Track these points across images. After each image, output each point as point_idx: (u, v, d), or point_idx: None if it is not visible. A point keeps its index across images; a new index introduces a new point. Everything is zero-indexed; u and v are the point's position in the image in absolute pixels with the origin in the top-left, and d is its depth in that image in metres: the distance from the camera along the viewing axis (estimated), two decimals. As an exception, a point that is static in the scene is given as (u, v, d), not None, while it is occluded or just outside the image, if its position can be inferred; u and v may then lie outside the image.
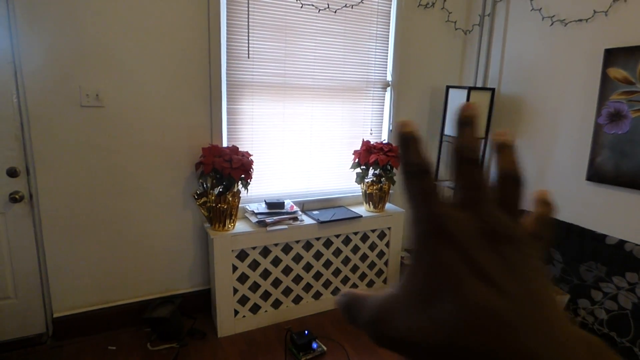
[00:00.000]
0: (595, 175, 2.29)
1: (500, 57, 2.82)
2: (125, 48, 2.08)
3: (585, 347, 0.19)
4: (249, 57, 2.34)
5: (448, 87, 2.79)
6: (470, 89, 2.61)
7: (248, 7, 2.28)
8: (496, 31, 2.83)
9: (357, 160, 2.69)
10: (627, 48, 2.13)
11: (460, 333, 0.19)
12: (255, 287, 2.42)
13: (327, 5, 2.48)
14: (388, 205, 2.86)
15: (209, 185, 2.27)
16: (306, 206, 2.72)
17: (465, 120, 0.23)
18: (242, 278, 2.37)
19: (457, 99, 2.72)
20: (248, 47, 2.33)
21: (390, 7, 2.73)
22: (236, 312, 2.38)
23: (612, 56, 2.20)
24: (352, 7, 2.56)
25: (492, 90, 2.74)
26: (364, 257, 2.76)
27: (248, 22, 2.30)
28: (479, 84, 2.95)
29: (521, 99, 2.70)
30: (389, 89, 2.86)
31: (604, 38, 2.24)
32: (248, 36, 2.32)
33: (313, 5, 2.45)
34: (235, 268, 2.33)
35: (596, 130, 2.28)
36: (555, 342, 0.18)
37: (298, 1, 2.39)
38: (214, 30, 2.23)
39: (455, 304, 0.20)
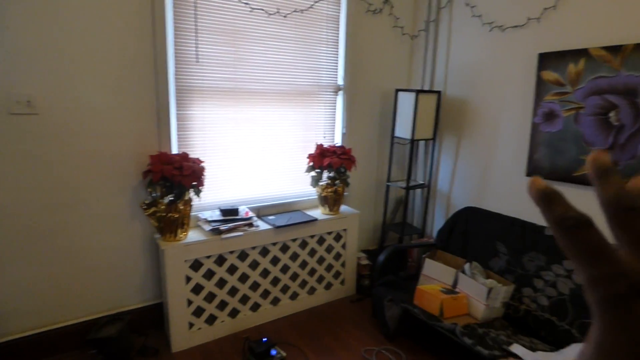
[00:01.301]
0: (534, 170, 2.45)
1: (445, 61, 2.94)
2: (60, 50, 1.95)
3: None
4: (197, 61, 2.28)
5: (397, 90, 2.87)
6: (418, 92, 2.70)
7: (195, 10, 2.22)
8: (441, 36, 2.96)
9: (311, 163, 2.69)
10: (557, 52, 2.30)
11: None
12: (210, 297, 2.35)
13: (277, 10, 2.48)
14: (343, 207, 2.89)
15: (158, 194, 2.18)
16: (262, 212, 2.69)
17: (603, 171, 0.20)
18: (197, 289, 2.29)
19: (406, 101, 2.80)
20: (197, 51, 2.27)
21: (340, 13, 2.78)
22: (191, 325, 2.30)
23: (545, 60, 2.36)
24: (301, 12, 2.57)
25: (439, 93, 2.86)
26: (321, 260, 2.77)
27: (196, 25, 2.24)
28: (426, 87, 3.07)
29: (465, 100, 2.83)
30: (340, 92, 2.90)
31: (538, 43, 2.40)
32: (196, 40, 2.25)
33: (263, 10, 2.43)
34: (188, 279, 2.25)
35: (533, 129, 2.44)
36: None
37: (247, 5, 2.37)
38: (159, 33, 2.15)
39: None
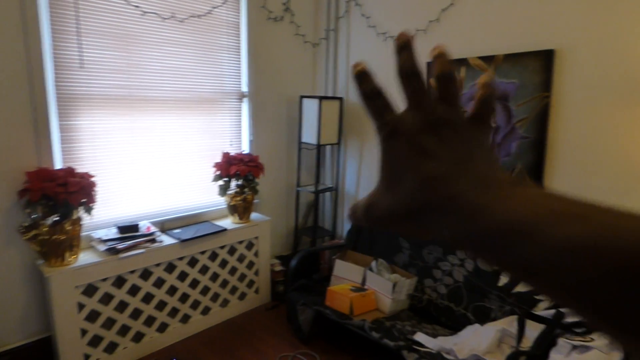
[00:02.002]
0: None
1: (346, 68, 3.07)
2: None
3: (504, 183, 0.24)
4: (82, 67, 2.09)
5: (302, 97, 2.92)
6: (321, 98, 2.77)
7: (77, 11, 2.03)
8: (341, 45, 3.08)
9: (218, 172, 2.62)
10: (441, 62, 2.52)
11: (418, 196, 0.26)
12: (109, 323, 2.15)
13: (172, 15, 2.37)
14: (254, 215, 2.85)
15: (39, 214, 1.94)
16: (166, 225, 2.54)
17: (401, 46, 0.29)
18: (92, 316, 2.09)
19: (311, 108, 2.86)
20: (80, 55, 2.07)
21: (240, 19, 2.75)
22: (87, 357, 2.09)
23: (432, 69, 2.57)
24: (199, 18, 2.50)
25: (341, 99, 2.97)
26: (233, 270, 2.70)
27: (78, 28, 2.05)
28: (330, 94, 3.17)
29: (366, 106, 2.98)
30: (245, 99, 2.86)
31: (426, 53, 2.61)
32: (79, 43, 2.06)
33: (156, 14, 2.31)
34: (82, 306, 2.04)
35: (425, 132, 2.64)
36: (476, 182, 0.25)
37: (138, 8, 2.23)
38: (33, 35, 1.92)
39: (410, 179, 0.26)
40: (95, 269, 2.05)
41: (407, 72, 0.29)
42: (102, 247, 2.13)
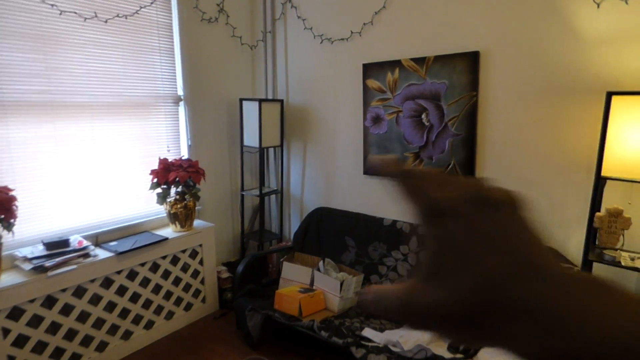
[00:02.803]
0: (369, 169, 2.73)
1: (285, 70, 3.07)
2: None
3: (582, 284, 0.21)
4: (-8, 71, 1.91)
5: (241, 100, 2.88)
6: (261, 100, 2.75)
7: (-17, 10, 1.86)
8: (278, 47, 3.07)
9: (155, 180, 2.51)
10: (377, 63, 2.59)
11: (476, 296, 0.21)
12: (41, 347, 2.00)
13: (94, 14, 2.24)
14: (197, 222, 2.77)
15: (-51, 235, 1.76)
16: (101, 238, 2.40)
17: (390, 163, 0.27)
18: (20, 341, 1.92)
19: (251, 110, 2.83)
20: (-10, 58, 1.90)
21: (172, 20, 2.65)
22: (16, 385, 1.92)
23: (368, 70, 2.64)
24: (126, 18, 2.38)
25: (281, 101, 2.96)
26: (177, 281, 2.61)
27: (-15, 28, 1.87)
28: (270, 96, 3.15)
29: (306, 108, 3.00)
30: (181, 103, 2.77)
31: (361, 54, 2.67)
32: (-12, 46, 1.89)
33: (76, 13, 2.17)
34: (7, 331, 1.88)
35: (365, 131, 2.71)
36: (552, 284, 0.21)
37: (55, 7, 2.08)
38: None
39: (468, 274, 0.22)
40: (20, 290, 1.89)
41: (404, 173, 0.26)
42: (28, 266, 1.97)
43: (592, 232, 1.83)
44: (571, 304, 0.20)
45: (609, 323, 0.19)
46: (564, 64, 2.00)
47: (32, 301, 1.95)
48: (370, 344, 2.03)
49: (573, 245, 2.08)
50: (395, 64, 2.52)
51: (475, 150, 2.32)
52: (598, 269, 1.96)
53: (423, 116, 2.48)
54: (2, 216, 1.82)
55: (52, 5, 2.07)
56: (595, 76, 1.93)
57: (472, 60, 2.25)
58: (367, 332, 2.16)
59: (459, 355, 1.83)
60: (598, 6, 1.88)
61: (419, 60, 2.43)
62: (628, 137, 1.66)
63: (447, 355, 1.84)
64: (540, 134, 2.11)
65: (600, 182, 1.77)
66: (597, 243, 1.86)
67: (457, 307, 0.22)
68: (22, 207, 2.06)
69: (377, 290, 0.27)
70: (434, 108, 2.43)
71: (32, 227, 2.14)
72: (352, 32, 2.68)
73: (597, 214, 1.81)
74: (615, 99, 1.68)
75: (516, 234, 0.23)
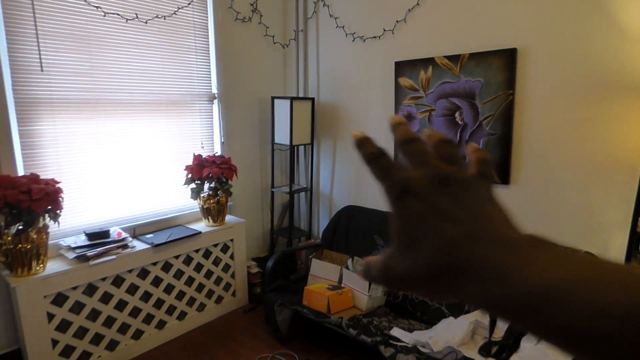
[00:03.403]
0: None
1: (316, 68, 3.08)
2: None
3: (526, 242, 0.24)
4: (42, 70, 2.03)
5: (273, 98, 2.92)
6: (292, 99, 2.78)
7: (34, 12, 1.97)
8: (310, 45, 3.09)
9: (190, 175, 2.59)
10: (410, 61, 2.57)
11: (437, 259, 0.25)
12: (82, 332, 2.10)
13: (135, 16, 2.33)
14: (228, 217, 2.83)
15: (2, 224, 1.88)
16: (138, 231, 2.50)
17: (396, 123, 0.30)
18: (63, 326, 2.03)
19: (283, 108, 2.86)
20: (40, 58, 2.01)
21: (207, 20, 2.72)
22: (59, 367, 2.03)
23: (400, 68, 2.62)
24: (164, 19, 2.46)
25: (312, 99, 2.98)
26: (208, 274, 2.68)
27: (36, 30, 1.99)
28: (301, 94, 3.18)
29: (337, 106, 3.00)
30: (215, 101, 2.84)
31: (394, 52, 2.65)
32: (38, 46, 2.00)
33: (119, 15, 2.26)
34: (51, 316, 1.99)
35: (396, 130, 2.68)
36: (498, 244, 0.24)
37: (99, 9, 2.18)
38: (-12, 38, 1.85)
39: (429, 241, 0.26)
40: (64, 278, 2.00)
41: (407, 139, 0.29)
42: (71, 255, 2.07)
43: (635, 237, 1.75)
44: (511, 258, 0.23)
45: (541, 266, 0.22)
46: (607, 60, 1.91)
47: (74, 288, 2.05)
48: (398, 343, 2.02)
49: (614, 250, 1.99)
50: (428, 61, 2.49)
51: (511, 150, 2.26)
52: (641, 275, 1.87)
53: (456, 115, 2.44)
54: (49, 207, 1.93)
55: (97, 7, 2.17)
56: (642, 73, 1.84)
57: (509, 57, 2.19)
58: (396, 332, 2.15)
59: (490, 359, 1.79)
60: (647, 0, 1.79)
61: (453, 58, 2.39)
62: (678, 137, 1.58)
63: (478, 358, 1.80)
64: (580, 133, 2.03)
65: (645, 184, 1.69)
66: (640, 248, 1.77)
67: (425, 270, 0.26)
68: (67, 199, 2.17)
69: (366, 262, 0.31)
70: (468, 107, 2.39)
71: (75, 218, 2.26)
72: (384, 30, 2.66)
73: (642, 217, 1.73)
74: (664, 97, 1.60)
75: (469, 206, 0.26)
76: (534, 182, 2.20)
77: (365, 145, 0.30)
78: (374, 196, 2.89)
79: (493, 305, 0.23)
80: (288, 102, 2.79)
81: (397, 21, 2.60)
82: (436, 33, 2.45)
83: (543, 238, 0.24)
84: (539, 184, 2.19)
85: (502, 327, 2.04)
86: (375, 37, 2.72)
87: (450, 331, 2.04)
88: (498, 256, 0.23)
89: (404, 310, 2.47)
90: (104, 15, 2.22)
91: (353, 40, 2.83)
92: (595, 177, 2.01)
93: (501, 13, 2.19)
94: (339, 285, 2.54)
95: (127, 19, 2.31)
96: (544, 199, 2.18)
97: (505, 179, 2.29)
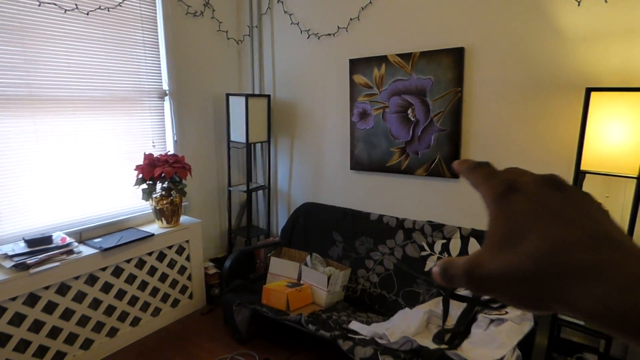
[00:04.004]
0: (356, 164, 2.74)
1: (272, 65, 3.05)
2: None
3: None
4: (-30, 64, 1.86)
5: (228, 95, 2.86)
6: (247, 96, 2.74)
7: (-41, 1, 1.80)
8: (265, 42, 3.05)
9: (140, 175, 2.48)
10: (364, 58, 2.60)
11: (547, 258, 0.23)
12: (24, 345, 1.97)
13: (75, 6, 2.19)
14: (183, 218, 2.75)
15: None
16: (85, 235, 2.37)
17: (460, 165, 0.30)
18: (2, 340, 1.89)
19: (238, 105, 2.81)
20: (-33, 51, 1.85)
21: (156, 13, 2.61)
22: (-2, 384, 1.89)
23: (355, 65, 2.65)
24: (108, 10, 2.33)
25: (268, 96, 2.95)
26: (163, 277, 2.59)
27: (-38, 20, 1.82)
28: (257, 91, 3.14)
29: (294, 103, 2.99)
30: (167, 98, 2.74)
31: (348, 50, 2.68)
32: (-35, 38, 1.84)
33: (56, 5, 2.12)
34: (-12, 330, 1.84)
35: (352, 127, 2.72)
36: (628, 252, 0.22)
37: (34, -1, 2.03)
38: None
39: (538, 239, 0.23)
40: (1, 288, 1.86)
41: (482, 162, 0.29)
42: (9, 264, 1.93)
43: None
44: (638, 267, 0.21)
45: None
46: (545, 60, 2.04)
47: (13, 299, 1.91)
48: (357, 336, 2.05)
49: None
50: (381, 59, 2.53)
51: (460, 145, 2.35)
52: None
53: (409, 112, 2.51)
54: (-18, 213, 1.78)
55: (32, -4, 2.03)
56: (576, 72, 1.97)
57: (457, 56, 2.28)
58: (354, 325, 2.18)
59: (443, 346, 1.87)
60: (579, 4, 1.92)
61: (405, 56, 2.45)
62: (606, 132, 1.71)
63: (432, 346, 1.87)
64: (522, 129, 2.15)
65: (579, 175, 1.81)
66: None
67: (529, 268, 0.23)
68: (3, 204, 2.02)
69: (444, 261, 0.28)
70: (419, 103, 2.46)
71: (13, 224, 2.10)
72: (338, 28, 2.68)
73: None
74: (594, 95, 1.72)
75: (587, 212, 0.24)
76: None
77: (467, 162, 0.30)
78: (331, 193, 2.92)
79: (614, 314, 0.20)
80: (243, 99, 2.74)
81: (350, 19, 2.63)
82: (389, 31, 2.50)
83: None
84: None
85: (454, 315, 2.13)
86: (330, 34, 2.73)
87: (406, 321, 2.11)
88: (634, 264, 0.21)
89: (363, 304, 2.52)
90: (39, 5, 2.07)
91: (308, 37, 2.82)
92: (536, 169, 2.13)
93: (450, 13, 2.27)
94: (298, 282, 2.54)
95: (66, 10, 2.17)
96: (491, 192, 2.29)
97: (455, 174, 2.38)
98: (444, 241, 2.36)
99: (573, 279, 0.22)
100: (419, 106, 2.46)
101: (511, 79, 2.15)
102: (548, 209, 0.24)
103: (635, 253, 0.22)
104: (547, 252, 0.23)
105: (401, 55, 2.46)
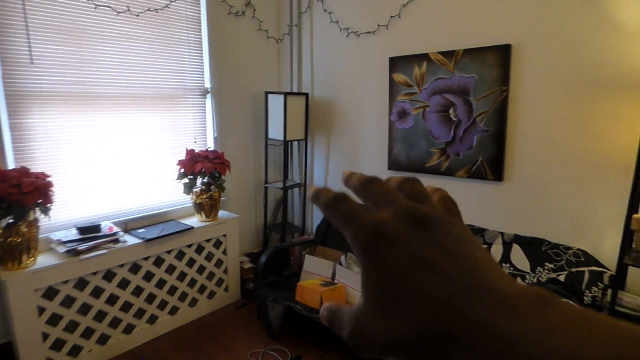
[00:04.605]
0: (394, 164, 2.70)
1: (310, 64, 3.07)
2: None
3: (529, 301, 0.20)
4: (32, 63, 2.01)
5: (267, 93, 2.90)
6: (286, 94, 2.77)
7: (24, 5, 1.95)
8: (304, 40, 3.07)
9: (182, 170, 2.58)
10: (404, 56, 2.55)
11: (424, 325, 0.21)
12: (72, 326, 2.10)
13: (127, 8, 2.31)
14: (221, 213, 2.83)
15: (-9, 217, 1.87)
16: (130, 225, 2.49)
17: (347, 175, 0.27)
18: (54, 319, 2.03)
19: (276, 104, 2.85)
20: (30, 51, 2.00)
21: (200, 14, 2.70)
22: (49, 361, 2.03)
23: (395, 63, 2.61)
24: (157, 12, 2.44)
25: (306, 95, 2.97)
26: (201, 269, 2.67)
27: (26, 22, 1.97)
28: (295, 89, 3.17)
29: (331, 101, 2.99)
30: (208, 95, 2.82)
31: (388, 48, 2.64)
32: (28, 38, 1.99)
33: (110, 7, 2.24)
34: (42, 310, 1.98)
35: (390, 126, 2.68)
36: (498, 304, 0.20)
37: (90, 1, 2.16)
38: (-22, 30, 1.84)
39: (413, 302, 0.21)
40: (55, 272, 1.99)
41: (365, 181, 0.26)
42: (62, 249, 2.07)
43: (628, 235, 1.74)
44: (519, 325, 0.19)
45: (554, 345, 0.18)
46: (601, 57, 1.90)
47: (65, 282, 2.05)
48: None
49: (607, 247, 1.99)
50: (422, 57, 2.47)
51: (504, 147, 2.25)
52: (634, 273, 1.87)
53: (450, 111, 2.43)
54: (40, 200, 1.92)
55: (88, -1, 2.16)
56: (635, 70, 1.82)
57: (503, 53, 2.18)
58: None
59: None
60: (641, -4, 1.77)
61: (448, 54, 2.37)
62: (669, 134, 1.57)
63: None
64: (574, 130, 2.02)
65: (639, 181, 1.68)
66: (633, 246, 1.77)
67: (412, 337, 0.21)
68: (58, 193, 2.17)
69: (331, 308, 0.26)
70: (462, 103, 2.38)
71: (66, 212, 2.25)
72: (378, 25, 2.65)
73: (635, 215, 1.72)
74: (656, 94, 1.59)
75: (454, 254, 0.22)
76: (527, 179, 2.20)
77: (323, 193, 0.26)
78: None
79: None
80: (282, 97, 2.78)
81: (391, 16, 2.58)
82: (431, 28, 2.43)
83: (544, 292, 0.21)
84: (532, 181, 2.18)
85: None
86: (369, 32, 2.70)
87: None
88: (502, 321, 0.19)
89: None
90: (95, 8, 2.20)
91: (347, 36, 2.81)
92: (588, 175, 2.01)
93: (496, 9, 2.18)
94: (332, 281, 2.54)
95: (119, 12, 2.29)
96: (537, 196, 2.17)
97: (498, 176, 2.28)
98: (485, 246, 2.27)
99: (452, 345, 0.20)
100: (461, 105, 2.38)
101: (562, 77, 2.02)
102: (419, 260, 0.22)
103: (503, 300, 0.20)
104: (425, 316, 0.21)
105: (443, 53, 2.39)
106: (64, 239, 2.12)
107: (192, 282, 2.64)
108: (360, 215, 0.24)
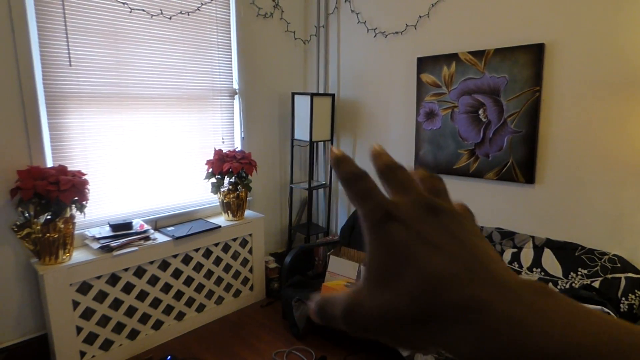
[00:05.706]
0: (421, 166, 2.67)
1: (337, 65, 3.07)
2: None
3: (529, 289, 0.20)
4: (70, 65, 2.09)
5: (293, 94, 2.92)
6: (312, 95, 2.78)
7: (64, 9, 2.03)
8: (331, 41, 3.08)
9: (210, 170, 2.62)
10: (433, 57, 2.53)
11: (424, 298, 0.21)
12: (104, 320, 2.16)
13: (160, 12, 2.37)
14: (247, 212, 2.86)
15: (32, 213, 1.94)
16: (159, 223, 2.55)
17: (376, 153, 0.27)
18: (87, 313, 2.09)
19: (303, 104, 2.87)
20: (69, 53, 2.07)
21: (230, 16, 2.75)
22: (83, 354, 2.09)
23: (422, 64, 2.58)
24: (188, 14, 2.49)
25: (333, 95, 2.97)
26: (227, 268, 2.71)
27: (65, 25, 2.04)
28: (321, 90, 3.17)
29: (357, 102, 2.99)
30: (236, 96, 2.86)
31: (416, 48, 2.62)
32: (67, 41, 2.06)
33: (144, 11, 2.31)
34: (76, 304, 2.05)
35: (417, 127, 2.65)
36: (500, 288, 0.21)
37: (126, 5, 2.22)
38: (20, 33, 1.92)
39: (415, 275, 0.22)
40: (89, 267, 2.06)
41: (391, 165, 0.26)
42: (96, 245, 2.13)
43: (668, 240, 1.67)
44: (519, 307, 0.20)
45: (553, 328, 0.19)
46: (639, 55, 1.84)
47: (98, 277, 2.11)
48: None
49: (645, 253, 1.91)
50: (451, 57, 2.44)
51: (536, 149, 2.20)
52: (673, 280, 1.80)
53: (480, 112, 2.39)
54: (76, 198, 1.99)
55: (124, 3, 2.22)
56: (679, 69, 1.75)
57: (536, 53, 2.13)
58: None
59: None
60: (685, -8, 1.70)
61: (478, 54, 2.33)
62: None
63: None
64: (611, 132, 1.96)
65: (680, 185, 1.61)
66: (673, 252, 1.70)
67: (406, 310, 0.21)
68: (92, 191, 2.24)
69: (321, 299, 0.26)
70: (492, 103, 2.33)
71: (100, 209, 2.32)
72: (407, 25, 2.63)
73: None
74: (702, 94, 1.52)
75: (462, 240, 0.23)
76: (560, 182, 2.14)
77: (344, 164, 0.26)
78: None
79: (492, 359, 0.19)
80: (308, 98, 2.79)
81: (420, 16, 2.56)
82: (460, 28, 2.40)
83: (543, 284, 0.21)
84: (566, 183, 2.12)
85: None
86: (397, 32, 2.68)
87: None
88: (504, 303, 0.20)
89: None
90: (130, 12, 2.26)
91: (375, 36, 2.80)
92: (625, 178, 1.94)
93: (528, 7, 2.13)
94: (357, 282, 2.53)
95: (152, 15, 2.35)
96: (571, 200, 2.11)
97: (530, 178, 2.23)
98: (515, 250, 2.22)
99: (450, 321, 0.20)
100: (491, 106, 2.34)
101: (599, 77, 1.96)
102: (424, 239, 0.23)
103: (505, 286, 0.21)
104: (425, 291, 0.21)
105: (473, 53, 2.35)
106: (98, 236, 2.18)
107: (219, 280, 2.68)
108: (377, 195, 0.25)
